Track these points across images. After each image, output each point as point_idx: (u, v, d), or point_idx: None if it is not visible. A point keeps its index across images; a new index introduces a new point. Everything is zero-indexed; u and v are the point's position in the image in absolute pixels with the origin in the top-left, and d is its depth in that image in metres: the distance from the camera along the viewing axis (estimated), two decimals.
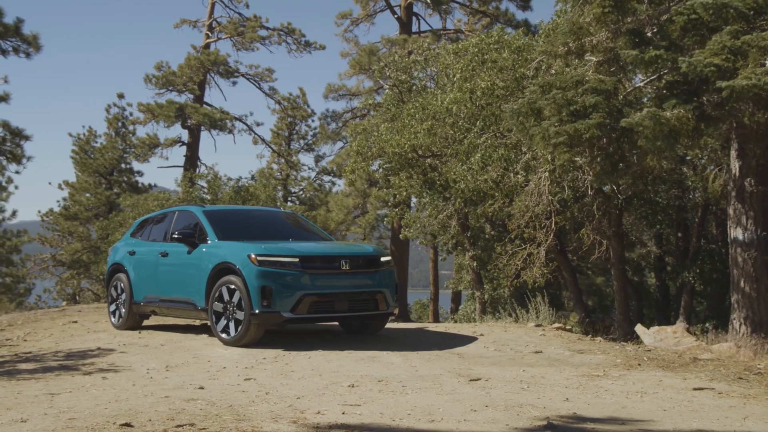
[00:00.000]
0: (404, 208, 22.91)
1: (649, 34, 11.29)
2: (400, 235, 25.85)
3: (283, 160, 41.35)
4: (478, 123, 14.73)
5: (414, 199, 21.94)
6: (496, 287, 19.42)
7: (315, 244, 10.81)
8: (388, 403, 6.33)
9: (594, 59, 11.67)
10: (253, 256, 9.68)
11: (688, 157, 17.02)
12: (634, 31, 11.16)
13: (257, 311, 9.51)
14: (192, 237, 10.76)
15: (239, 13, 36.98)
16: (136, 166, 41.31)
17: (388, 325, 13.03)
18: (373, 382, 7.30)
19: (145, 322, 12.48)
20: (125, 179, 37.26)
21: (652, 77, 11.60)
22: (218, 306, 10.00)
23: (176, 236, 10.84)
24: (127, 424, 5.21)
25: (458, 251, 21.85)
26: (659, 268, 20.39)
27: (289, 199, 41.41)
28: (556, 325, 11.82)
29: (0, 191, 32.35)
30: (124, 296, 11.98)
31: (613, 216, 15.41)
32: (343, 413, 5.84)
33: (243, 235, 10.69)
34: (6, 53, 24.68)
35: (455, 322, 23.61)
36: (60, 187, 37.12)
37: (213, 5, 36.82)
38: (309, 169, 41.97)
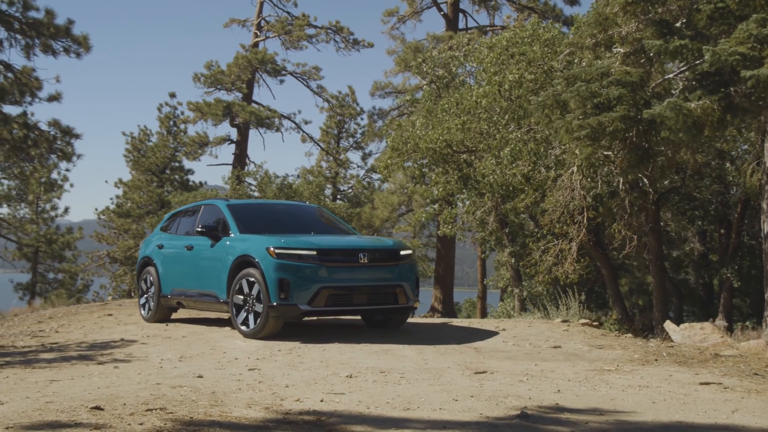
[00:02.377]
0: (443, 204, 22.81)
1: (678, 25, 11.07)
2: (439, 232, 25.75)
3: (331, 158, 41.55)
4: (506, 116, 14.58)
5: (457, 196, 21.82)
6: (535, 284, 19.23)
7: (335, 238, 10.84)
8: (374, 392, 6.33)
9: (622, 51, 11.48)
10: (271, 248, 9.75)
11: (732, 152, 16.64)
12: (661, 21, 10.96)
13: (275, 304, 9.58)
14: (215, 230, 10.89)
15: (288, 12, 37.28)
16: (186, 164, 41.95)
17: (414, 320, 13.01)
18: (374, 373, 7.30)
19: (175, 315, 12.67)
20: (176, 177, 37.83)
21: (683, 68, 11.37)
22: (238, 298, 10.10)
23: (199, 230, 10.99)
24: (98, 408, 5.30)
25: (497, 248, 21.68)
26: (702, 266, 19.94)
27: (338, 196, 41.60)
28: (583, 320, 11.64)
29: (54, 189, 33.22)
30: (153, 289, 12.18)
31: (650, 212, 15.11)
32: (322, 401, 5.86)
33: (265, 229, 10.78)
34: (56, 53, 25.39)
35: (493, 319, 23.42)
36: (116, 185, 37.89)
37: (261, 4, 37.18)
38: (358, 167, 42.09)
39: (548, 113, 11.63)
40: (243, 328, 10.04)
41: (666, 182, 16.75)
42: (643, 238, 16.33)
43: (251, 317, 9.94)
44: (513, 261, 19.10)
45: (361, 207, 35.89)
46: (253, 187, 32.31)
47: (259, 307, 9.81)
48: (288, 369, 7.63)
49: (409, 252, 10.70)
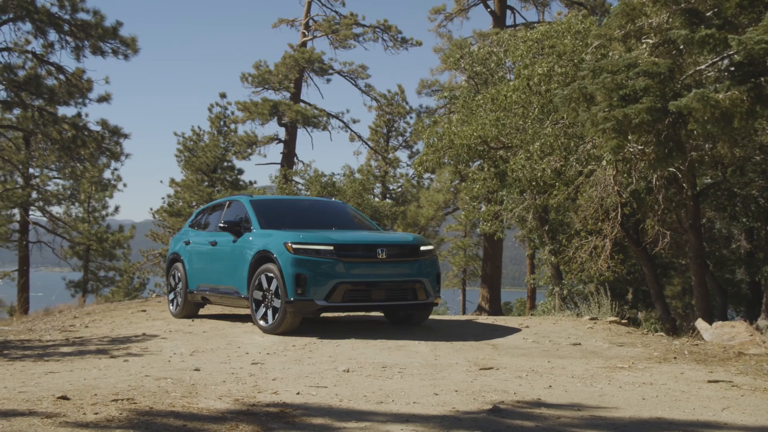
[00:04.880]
0: (482, 202, 22.57)
1: (709, 14, 10.73)
2: (478, 230, 25.51)
3: (380, 157, 41.55)
4: (536, 111, 14.34)
5: (496, 193, 21.56)
6: (576, 282, 18.91)
7: (354, 233, 10.77)
8: (358, 386, 6.26)
9: (650, 42, 11.18)
10: (289, 244, 9.73)
11: None
12: (691, 10, 10.64)
13: (292, 299, 9.55)
14: (237, 226, 10.94)
15: (335, 12, 37.42)
16: (237, 163, 42.41)
17: (441, 317, 12.90)
18: (375, 368, 7.21)
19: (203, 311, 12.77)
20: (227, 177, 38.23)
21: (716, 59, 11.03)
22: (258, 294, 10.11)
23: (222, 225, 11.06)
24: (64, 397, 5.33)
25: (538, 245, 21.37)
26: (749, 264, 19.33)
27: (387, 195, 41.57)
28: (611, 318, 11.37)
29: (106, 188, 33.86)
30: (180, 285, 12.29)
31: (690, 208, 14.71)
32: (298, 393, 5.79)
33: (286, 224, 10.78)
34: (105, 54, 25.90)
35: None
36: (171, 185, 38.46)
37: (309, 4, 37.37)
38: (407, 165, 41.97)
39: (575, 106, 11.39)
40: (262, 323, 10.05)
41: (708, 178, 16.31)
42: (684, 236, 15.94)
43: (270, 313, 9.95)
44: (553, 259, 18.80)
45: (406, 205, 35.77)
46: (300, 186, 32.53)
47: (277, 303, 9.80)
48: (292, 363, 7.59)
49: (429, 248, 10.57)
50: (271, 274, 9.86)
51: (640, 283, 21.75)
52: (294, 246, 9.70)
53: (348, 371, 6.99)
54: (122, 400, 5.30)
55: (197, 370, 7.06)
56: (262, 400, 5.53)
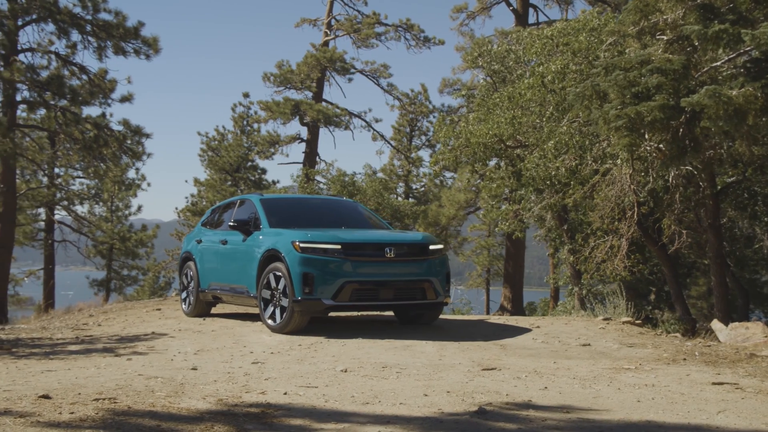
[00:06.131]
0: (501, 201, 22.43)
1: (723, 10, 10.54)
2: (497, 229, 25.37)
3: (403, 156, 41.48)
4: (550, 109, 14.19)
5: (514, 191, 21.38)
6: (597, 282, 18.72)
7: (363, 232, 10.72)
8: (349, 386, 6.20)
9: (664, 38, 11.01)
10: (296, 242, 9.69)
11: None
12: (705, 5, 10.46)
13: (299, 298, 9.52)
14: (247, 225, 10.93)
15: (358, 11, 37.38)
16: (260, 163, 42.52)
17: (453, 317, 12.81)
18: (374, 368, 7.14)
19: (215, 310, 12.78)
20: (250, 176, 38.35)
21: (732, 55, 10.84)
22: (266, 293, 10.09)
23: (231, 224, 11.06)
24: (46, 396, 5.32)
25: (558, 245, 21.17)
26: None
27: (410, 195, 41.49)
28: (625, 318, 11.22)
29: (129, 188, 34.11)
30: (192, 284, 12.30)
31: (709, 207, 14.48)
32: (285, 394, 5.75)
33: (295, 223, 10.74)
34: (127, 55, 26.08)
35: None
36: (195, 184, 38.65)
37: (332, 3, 37.36)
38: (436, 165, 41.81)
39: (587, 104, 11.24)
40: (270, 322, 10.03)
41: (733, 177, 16.04)
42: (704, 235, 15.69)
43: (278, 312, 9.92)
44: (572, 258, 18.61)
45: (428, 205, 35.65)
46: (322, 186, 32.52)
47: (285, 302, 9.76)
48: (293, 363, 7.55)
49: (439, 247, 10.48)
50: (279, 273, 9.83)
51: (663, 283, 21.47)
52: (301, 245, 9.66)
53: (346, 371, 6.93)
54: (104, 399, 5.29)
55: (194, 369, 7.05)
56: (247, 401, 5.50)
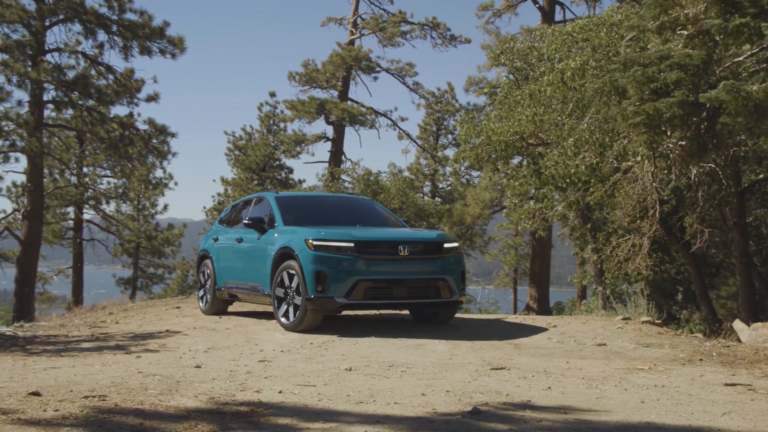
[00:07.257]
0: (525, 200, 22.23)
1: (745, 3, 10.33)
2: (519, 228, 25.16)
3: (429, 155, 41.34)
4: (570, 105, 13.99)
5: (537, 190, 21.16)
6: (621, 281, 18.48)
7: (377, 230, 10.64)
8: (347, 386, 6.13)
9: (685, 33, 10.81)
10: (309, 240, 9.65)
11: None
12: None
13: (312, 296, 9.47)
14: (261, 223, 10.90)
15: (384, 9, 37.32)
16: (286, 162, 42.55)
17: (469, 316, 12.70)
18: (380, 367, 7.07)
19: (232, 308, 12.77)
20: (276, 175, 38.42)
21: (755, 50, 10.62)
22: (280, 291, 10.06)
23: (246, 222, 11.05)
24: (36, 393, 5.32)
25: (582, 244, 20.93)
26: None
27: (436, 194, 41.34)
28: (644, 318, 11.03)
29: (156, 187, 34.32)
30: (209, 282, 12.30)
31: (733, 205, 14.22)
32: (280, 392, 5.69)
33: (310, 221, 10.69)
34: (152, 54, 26.25)
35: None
36: (222, 183, 38.79)
37: (357, 2, 37.35)
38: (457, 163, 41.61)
39: (606, 100, 11.07)
40: (283, 320, 9.99)
41: (761, 174, 15.75)
42: (729, 234, 15.43)
43: (291, 310, 9.88)
44: (595, 257, 18.40)
45: (452, 204, 35.49)
46: (347, 184, 32.49)
47: (298, 300, 9.72)
48: (300, 361, 7.50)
49: (453, 245, 10.37)
50: (293, 271, 9.79)
51: (690, 282, 21.15)
52: (314, 243, 9.61)
53: (350, 370, 6.87)
54: (94, 396, 5.27)
55: (197, 367, 7.02)
56: (239, 399, 5.45)
